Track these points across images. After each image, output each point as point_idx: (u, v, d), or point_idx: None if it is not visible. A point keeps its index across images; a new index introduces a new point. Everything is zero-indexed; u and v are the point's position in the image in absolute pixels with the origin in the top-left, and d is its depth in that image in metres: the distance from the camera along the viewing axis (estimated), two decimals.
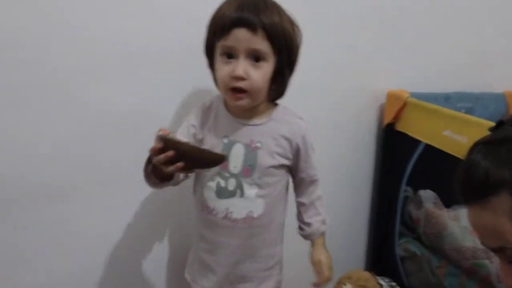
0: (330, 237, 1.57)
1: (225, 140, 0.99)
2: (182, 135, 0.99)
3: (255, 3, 0.91)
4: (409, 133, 1.42)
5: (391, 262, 1.53)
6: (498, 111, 1.64)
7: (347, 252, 1.63)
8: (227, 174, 0.99)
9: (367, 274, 1.39)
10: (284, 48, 0.94)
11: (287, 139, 1.03)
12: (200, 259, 1.08)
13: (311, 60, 1.36)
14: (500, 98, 1.66)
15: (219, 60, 0.93)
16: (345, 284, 1.36)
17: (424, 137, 1.37)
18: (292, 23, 0.96)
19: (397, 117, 1.46)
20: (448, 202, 1.53)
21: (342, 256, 1.61)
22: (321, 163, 1.47)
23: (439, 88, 1.55)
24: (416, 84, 1.52)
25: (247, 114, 1.00)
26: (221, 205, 1.00)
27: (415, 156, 1.41)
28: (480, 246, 1.30)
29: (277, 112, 1.04)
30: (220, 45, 0.92)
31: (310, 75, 1.37)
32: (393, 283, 1.41)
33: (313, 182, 1.12)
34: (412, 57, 1.56)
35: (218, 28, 0.92)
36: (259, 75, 0.92)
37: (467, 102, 1.57)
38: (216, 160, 0.88)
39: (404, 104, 1.43)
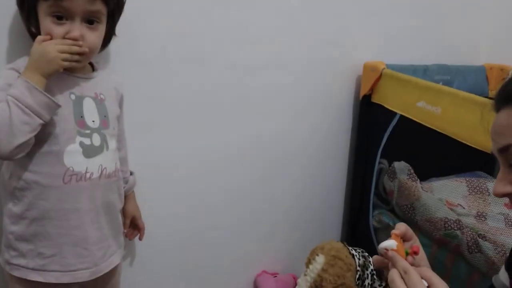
0: (306, 210, 1.58)
1: (73, 97, 0.93)
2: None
3: None
4: (385, 105, 1.41)
5: (365, 233, 1.54)
6: (477, 84, 1.64)
7: (322, 225, 1.64)
8: (87, 131, 0.93)
9: (339, 245, 1.40)
10: (117, 9, 0.97)
11: (116, 89, 1.04)
12: (66, 242, 0.94)
13: (288, 30, 1.35)
14: (480, 70, 1.66)
15: (46, 20, 0.88)
16: (318, 255, 1.37)
17: (399, 108, 1.36)
18: None
19: (373, 89, 1.45)
20: (423, 174, 1.55)
21: (318, 229, 1.63)
22: (296, 135, 1.48)
23: (418, 60, 1.53)
24: (395, 56, 1.51)
25: (80, 68, 0.97)
26: (94, 164, 0.93)
27: (390, 128, 1.40)
28: (452, 217, 1.33)
29: (96, 65, 1.03)
30: (48, 4, 0.86)
31: (286, 45, 1.36)
32: (366, 253, 1.43)
33: (124, 134, 1.12)
34: (392, 28, 1.55)
35: None
36: (95, 37, 0.91)
37: (445, 74, 1.55)
38: None
39: (380, 76, 1.42)
